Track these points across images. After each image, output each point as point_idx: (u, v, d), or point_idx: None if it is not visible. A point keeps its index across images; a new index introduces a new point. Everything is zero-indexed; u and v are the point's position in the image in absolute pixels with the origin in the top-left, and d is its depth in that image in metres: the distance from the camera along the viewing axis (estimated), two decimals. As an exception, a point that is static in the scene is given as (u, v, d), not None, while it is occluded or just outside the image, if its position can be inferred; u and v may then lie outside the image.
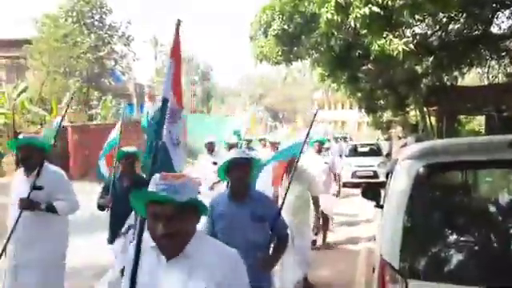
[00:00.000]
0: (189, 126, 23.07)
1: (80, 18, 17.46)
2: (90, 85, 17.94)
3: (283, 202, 3.28)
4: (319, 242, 6.52)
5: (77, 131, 14.87)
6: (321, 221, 5.74)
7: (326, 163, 6.78)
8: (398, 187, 2.05)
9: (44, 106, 16.08)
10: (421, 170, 1.98)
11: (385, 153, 12.70)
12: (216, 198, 3.00)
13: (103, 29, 18.61)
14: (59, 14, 17.26)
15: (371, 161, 11.71)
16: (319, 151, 6.74)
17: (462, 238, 2.02)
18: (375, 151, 13.54)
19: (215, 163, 6.23)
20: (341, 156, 11.33)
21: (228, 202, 2.77)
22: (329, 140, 11.12)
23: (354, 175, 11.01)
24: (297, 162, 3.75)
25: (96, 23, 18.36)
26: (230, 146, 7.27)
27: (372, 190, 3.47)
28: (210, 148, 6.86)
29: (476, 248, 2.00)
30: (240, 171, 2.68)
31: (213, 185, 6.24)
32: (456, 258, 1.97)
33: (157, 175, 1.53)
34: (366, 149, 14.22)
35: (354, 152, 13.59)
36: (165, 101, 2.28)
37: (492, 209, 2.16)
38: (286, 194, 3.46)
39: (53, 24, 16.58)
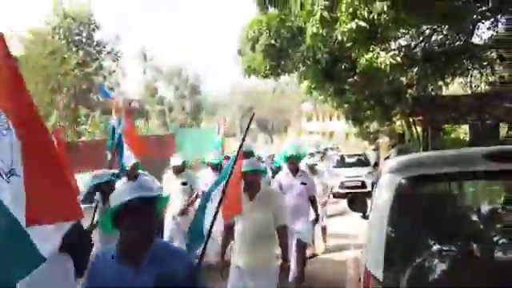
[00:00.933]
0: (178, 141, 23.08)
1: (67, 35, 17.45)
2: (79, 101, 17.86)
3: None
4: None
5: (65, 148, 14.73)
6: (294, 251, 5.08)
7: (303, 184, 5.39)
8: (381, 200, 2.12)
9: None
10: (401, 182, 2.04)
11: (372, 163, 12.83)
12: None
13: (91, 45, 18.61)
14: (46, 30, 17.23)
15: (359, 171, 11.84)
16: (295, 171, 5.43)
17: (444, 249, 2.07)
18: (363, 161, 13.69)
19: (185, 183, 5.89)
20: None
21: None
22: (320, 152, 11.29)
23: (342, 186, 11.11)
24: (249, 178, 3.34)
25: (84, 39, 18.36)
26: (211, 167, 6.48)
27: (358, 200, 3.53)
28: (179, 169, 6.00)
29: (458, 258, 2.06)
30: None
31: (183, 210, 5.71)
32: (438, 268, 2.02)
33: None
34: (354, 159, 14.36)
35: (342, 163, 13.71)
36: None
37: (472, 219, 2.23)
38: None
39: (40, 41, 16.56)
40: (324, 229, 7.50)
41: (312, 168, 6.97)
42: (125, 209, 1.74)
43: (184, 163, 6.11)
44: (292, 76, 12.12)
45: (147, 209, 1.78)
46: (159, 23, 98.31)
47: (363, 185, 11.20)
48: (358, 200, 3.62)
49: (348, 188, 11.18)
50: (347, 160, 14.42)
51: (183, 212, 5.74)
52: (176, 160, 6.07)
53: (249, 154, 5.91)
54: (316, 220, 5.89)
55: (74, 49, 17.55)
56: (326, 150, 14.04)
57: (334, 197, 9.95)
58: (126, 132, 5.43)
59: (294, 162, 5.48)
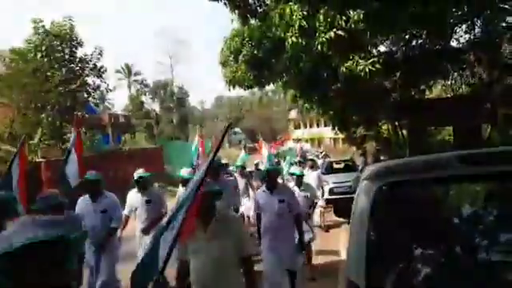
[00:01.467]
0: (165, 154, 22.96)
1: (49, 52, 17.29)
2: (63, 118, 17.66)
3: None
4: None
5: (50, 166, 14.56)
6: None
7: (281, 201, 4.79)
8: (360, 207, 2.13)
9: (15, 142, 15.70)
10: (378, 189, 2.07)
11: (360, 168, 12.91)
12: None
13: (74, 62, 18.46)
14: (28, 48, 17.08)
15: (347, 177, 11.88)
16: (272, 187, 4.89)
17: (424, 254, 2.08)
18: (350, 167, 13.76)
19: (148, 201, 5.62)
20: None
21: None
22: (313, 160, 11.43)
23: (331, 192, 11.13)
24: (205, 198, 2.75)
25: (66, 57, 18.21)
26: (182, 182, 6.06)
27: (344, 207, 3.54)
28: (141, 186, 5.72)
29: (439, 262, 2.07)
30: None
31: (145, 229, 5.45)
32: (420, 273, 2.03)
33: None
34: (341, 165, 14.44)
35: (330, 169, 13.76)
36: None
37: (452, 223, 2.24)
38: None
39: (21, 59, 16.39)
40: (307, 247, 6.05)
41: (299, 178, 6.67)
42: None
43: (145, 179, 5.70)
44: (277, 85, 12.24)
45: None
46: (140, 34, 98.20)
47: (351, 190, 11.25)
48: (343, 207, 3.65)
49: (337, 194, 11.21)
50: (335, 166, 14.49)
51: (146, 231, 5.47)
52: (136, 174, 5.77)
53: (217, 168, 5.84)
54: (301, 242, 5.02)
55: (56, 66, 17.39)
56: (315, 158, 14.15)
57: (328, 203, 10.07)
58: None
59: (271, 176, 4.95)
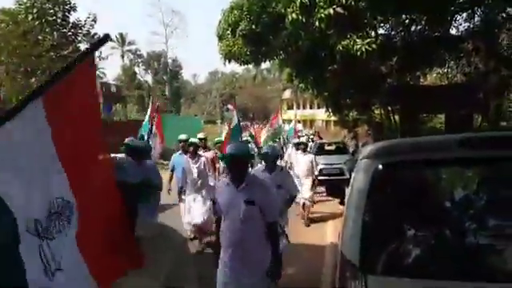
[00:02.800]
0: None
1: (41, 15, 16.77)
2: (53, 84, 17.32)
3: None
4: None
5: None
6: None
7: (248, 202, 3.19)
8: (357, 186, 2.13)
9: (4, 106, 15.40)
10: (377, 168, 2.06)
11: (351, 150, 13.00)
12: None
13: (66, 27, 17.96)
14: (18, 10, 16.54)
15: (337, 159, 11.96)
16: (236, 179, 3.28)
17: (419, 234, 2.10)
18: (341, 149, 13.85)
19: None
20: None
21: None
22: (304, 144, 11.06)
23: (321, 173, 11.21)
24: None
25: (59, 21, 17.70)
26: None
27: (336, 188, 3.56)
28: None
29: (433, 242, 2.10)
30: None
31: None
32: (414, 252, 2.05)
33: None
34: (333, 147, 14.52)
35: (321, 150, 13.83)
36: None
37: (447, 204, 2.26)
38: None
39: (11, 21, 15.89)
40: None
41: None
42: None
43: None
44: (273, 63, 12.11)
45: None
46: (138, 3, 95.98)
47: (341, 172, 11.34)
48: (335, 188, 3.67)
49: (327, 175, 11.31)
50: (326, 148, 14.57)
51: None
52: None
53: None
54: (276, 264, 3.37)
55: (48, 30, 16.91)
56: (308, 140, 13.92)
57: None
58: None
59: (235, 163, 3.25)
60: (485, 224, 2.02)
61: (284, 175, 5.34)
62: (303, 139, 13.22)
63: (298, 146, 9.86)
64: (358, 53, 7.24)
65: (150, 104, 8.64)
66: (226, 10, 9.59)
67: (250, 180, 3.27)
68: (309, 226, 8.28)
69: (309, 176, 8.67)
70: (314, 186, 8.91)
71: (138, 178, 1.72)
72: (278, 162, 6.24)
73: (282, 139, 13.44)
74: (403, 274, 1.96)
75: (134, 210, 1.60)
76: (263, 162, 5.39)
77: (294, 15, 7.21)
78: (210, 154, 7.74)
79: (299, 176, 8.60)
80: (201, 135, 8.26)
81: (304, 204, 8.39)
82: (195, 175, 6.65)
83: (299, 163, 8.97)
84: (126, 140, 5.38)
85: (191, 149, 6.76)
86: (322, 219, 8.69)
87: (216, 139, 10.14)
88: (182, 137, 7.24)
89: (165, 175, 6.60)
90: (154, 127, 7.71)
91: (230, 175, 3.34)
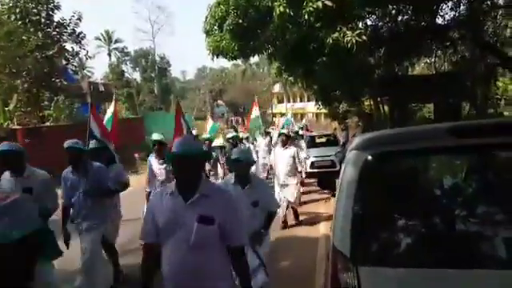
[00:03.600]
0: (146, 125, 22.61)
1: (24, 15, 16.51)
2: (40, 85, 17.09)
3: None
4: None
5: (27, 134, 14.17)
6: None
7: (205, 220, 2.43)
8: (347, 177, 2.13)
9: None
10: (366, 159, 2.07)
11: (341, 142, 13.07)
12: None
13: (51, 26, 17.72)
14: (1, 10, 16.26)
15: (328, 151, 12.01)
16: (183, 186, 2.45)
17: (409, 223, 2.12)
18: (332, 141, 13.91)
19: None
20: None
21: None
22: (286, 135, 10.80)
23: (312, 165, 11.25)
24: None
25: (43, 20, 17.45)
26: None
27: (327, 179, 3.57)
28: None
29: (424, 231, 2.11)
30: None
31: None
32: (405, 242, 2.07)
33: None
34: (324, 139, 14.57)
35: (312, 143, 13.87)
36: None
37: (437, 193, 2.27)
38: None
39: (-6, 21, 15.63)
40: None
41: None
42: None
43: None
44: (262, 57, 12.06)
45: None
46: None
47: (333, 164, 11.40)
48: (326, 179, 3.68)
49: (318, 168, 11.35)
50: (317, 140, 14.61)
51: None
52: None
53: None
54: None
55: (32, 30, 16.66)
56: (297, 132, 13.54)
57: (309, 176, 9.91)
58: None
59: (180, 165, 2.50)
60: (475, 211, 2.04)
61: (261, 187, 3.97)
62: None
63: (277, 137, 8.58)
64: (349, 45, 7.23)
65: (113, 104, 7.56)
66: (212, 4, 9.51)
67: (206, 189, 2.39)
68: (285, 228, 7.28)
69: (291, 175, 7.41)
70: (299, 185, 7.79)
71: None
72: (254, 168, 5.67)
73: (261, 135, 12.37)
74: (395, 263, 1.97)
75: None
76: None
77: (281, 8, 7.17)
78: None
79: (279, 176, 7.48)
80: (193, 132, 8.18)
81: (287, 207, 7.40)
82: (163, 177, 5.80)
83: (278, 159, 7.58)
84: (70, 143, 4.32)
85: (155, 147, 5.98)
86: (315, 219, 7.91)
87: (203, 136, 10.06)
88: (154, 137, 6.23)
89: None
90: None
91: (176, 182, 2.42)
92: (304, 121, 25.06)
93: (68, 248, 4.16)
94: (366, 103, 14.95)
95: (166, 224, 2.35)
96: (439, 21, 11.47)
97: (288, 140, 7.73)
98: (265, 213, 3.90)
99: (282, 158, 7.49)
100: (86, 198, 4.34)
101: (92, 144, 5.29)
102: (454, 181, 2.26)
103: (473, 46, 11.20)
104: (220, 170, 8.91)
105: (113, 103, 7.55)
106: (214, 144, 9.28)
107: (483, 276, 1.81)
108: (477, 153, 2.11)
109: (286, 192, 7.40)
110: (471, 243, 1.96)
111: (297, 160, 7.51)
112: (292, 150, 7.53)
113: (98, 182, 4.37)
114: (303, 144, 10.76)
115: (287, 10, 7.02)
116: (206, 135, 10.14)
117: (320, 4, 6.83)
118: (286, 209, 7.46)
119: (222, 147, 9.09)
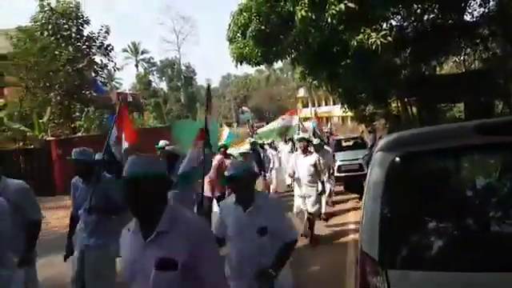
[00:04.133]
0: (174, 134, 22.97)
1: (56, 31, 17.21)
2: (71, 97, 17.72)
3: None
4: None
5: (60, 145, 14.70)
6: None
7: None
8: (374, 179, 2.10)
9: (25, 122, 15.84)
10: (393, 160, 2.03)
11: (369, 145, 12.86)
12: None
13: (81, 40, 18.40)
14: (34, 27, 17.00)
15: (356, 154, 11.82)
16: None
17: (439, 225, 2.06)
18: (359, 144, 13.70)
19: None
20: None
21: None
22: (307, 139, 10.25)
23: (339, 169, 11.10)
24: None
25: (73, 35, 18.14)
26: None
27: (355, 182, 3.51)
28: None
29: (454, 234, 2.05)
30: None
31: None
32: (435, 245, 2.01)
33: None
34: (350, 142, 14.37)
35: (339, 146, 13.69)
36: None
37: (467, 194, 2.20)
38: None
39: (28, 38, 16.35)
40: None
41: None
42: None
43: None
44: (285, 62, 12.05)
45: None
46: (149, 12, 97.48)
47: (361, 167, 11.22)
48: (354, 183, 3.61)
49: (345, 172, 11.19)
50: (344, 144, 14.43)
51: None
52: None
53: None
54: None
55: (63, 45, 17.33)
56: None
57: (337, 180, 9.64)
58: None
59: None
60: (507, 212, 1.96)
61: (270, 209, 2.93)
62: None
63: (298, 142, 7.68)
64: (373, 46, 7.15)
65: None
66: (235, 12, 9.62)
67: (167, 223, 1.84)
68: (317, 244, 6.68)
69: (313, 185, 6.80)
70: (322, 194, 7.11)
71: None
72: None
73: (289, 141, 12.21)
74: (425, 267, 1.92)
75: None
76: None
77: (303, 12, 7.19)
78: (216, 160, 6.75)
79: (301, 186, 6.81)
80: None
81: (309, 218, 6.78)
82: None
83: (299, 168, 6.81)
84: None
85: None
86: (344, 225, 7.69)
87: (219, 143, 10.02)
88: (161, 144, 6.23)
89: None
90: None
91: (135, 219, 1.91)
92: (329, 125, 24.79)
93: (65, 261, 4.03)
94: (394, 105, 14.65)
95: (126, 268, 1.94)
96: (467, 18, 11.17)
97: (307, 146, 7.02)
98: (278, 243, 2.85)
99: (302, 167, 6.78)
100: (92, 213, 3.93)
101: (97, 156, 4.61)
102: (486, 180, 2.18)
103: (504, 42, 10.81)
104: None
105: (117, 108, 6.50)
106: (235, 151, 8.99)
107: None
108: (507, 151, 2.03)
109: (307, 203, 6.81)
110: (506, 245, 1.89)
111: (319, 168, 6.83)
112: (313, 157, 6.92)
113: (105, 197, 3.94)
114: (328, 150, 9.33)
115: (309, 14, 7.02)
116: (221, 143, 10.13)
117: (343, 6, 6.80)
118: (310, 224, 6.74)
119: (245, 153, 8.50)
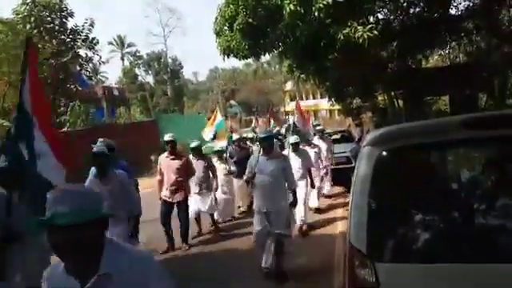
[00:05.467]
0: (161, 127, 22.79)
1: (39, 24, 16.86)
2: (56, 91, 17.43)
3: None
4: None
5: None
6: None
7: None
8: (361, 173, 2.12)
9: (8, 117, 15.53)
10: (380, 154, 2.05)
11: (356, 138, 12.94)
12: None
13: (65, 33, 18.07)
14: (16, 20, 16.62)
15: (343, 147, 11.87)
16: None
17: (426, 218, 2.09)
18: (346, 137, 13.77)
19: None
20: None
21: None
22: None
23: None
24: None
25: (57, 28, 17.80)
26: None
27: (342, 175, 3.54)
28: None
29: (440, 226, 2.08)
30: None
31: None
32: (422, 238, 2.04)
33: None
34: (338, 136, 14.43)
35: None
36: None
37: (453, 187, 2.24)
38: None
39: (10, 31, 15.98)
40: None
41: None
42: None
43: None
44: (273, 56, 12.02)
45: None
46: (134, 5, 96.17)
47: (348, 160, 11.30)
48: (342, 176, 3.65)
49: (333, 164, 11.24)
50: (331, 137, 14.47)
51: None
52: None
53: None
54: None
55: (47, 38, 16.99)
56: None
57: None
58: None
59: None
60: (493, 205, 2.00)
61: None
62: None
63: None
64: (360, 40, 7.17)
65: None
66: (222, 4, 9.54)
67: (111, 264, 1.53)
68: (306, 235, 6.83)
69: (302, 186, 6.81)
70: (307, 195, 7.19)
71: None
72: None
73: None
74: (412, 259, 1.96)
75: None
76: None
77: (291, 6, 7.16)
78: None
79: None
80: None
81: (301, 227, 6.90)
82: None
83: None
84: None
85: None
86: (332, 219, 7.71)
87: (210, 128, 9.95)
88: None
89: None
90: None
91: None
92: (313, 118, 24.85)
93: None
94: (380, 98, 14.77)
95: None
96: (453, 12, 11.28)
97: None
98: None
99: (293, 164, 5.92)
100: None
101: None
102: (471, 174, 2.22)
103: (488, 36, 10.96)
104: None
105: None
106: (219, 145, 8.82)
107: (502, 270, 1.78)
108: (492, 145, 2.07)
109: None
110: (490, 237, 1.93)
111: (308, 163, 7.07)
112: (305, 152, 7.16)
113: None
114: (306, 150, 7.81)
115: (297, 8, 7.00)
116: (211, 128, 9.99)
117: (330, 0, 6.79)
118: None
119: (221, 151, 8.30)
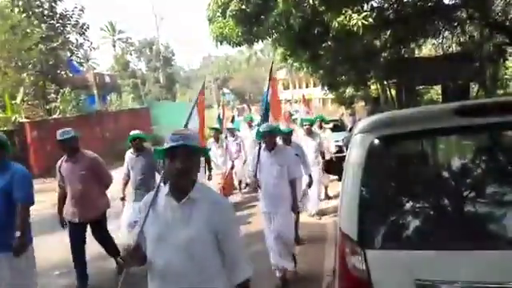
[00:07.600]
0: (153, 115, 22.64)
1: (27, 8, 16.51)
2: (46, 78, 17.16)
3: None
4: None
5: (35, 127, 14.30)
6: None
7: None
8: (353, 160, 2.11)
9: (-4, 102, 15.31)
10: (372, 142, 2.04)
11: (349, 127, 12.97)
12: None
13: (54, 18, 17.73)
14: (4, 3, 16.26)
15: (335, 136, 11.89)
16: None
17: (417, 206, 2.09)
18: (339, 127, 13.80)
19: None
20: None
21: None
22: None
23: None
24: None
25: (46, 12, 17.46)
26: None
27: (334, 164, 3.54)
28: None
29: (431, 213, 2.09)
30: None
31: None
32: (413, 225, 2.05)
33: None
34: (330, 125, 14.44)
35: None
36: None
37: (445, 174, 2.24)
38: None
39: (-2, 15, 15.65)
40: None
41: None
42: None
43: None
44: (266, 43, 11.92)
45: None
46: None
47: (340, 149, 11.33)
48: (333, 165, 3.64)
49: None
50: (324, 126, 14.48)
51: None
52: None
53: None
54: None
55: (36, 22, 16.66)
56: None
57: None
58: None
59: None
60: (483, 192, 2.01)
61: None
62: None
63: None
64: (355, 28, 7.12)
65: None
66: (214, -9, 9.39)
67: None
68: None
69: (316, 170, 6.91)
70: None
71: None
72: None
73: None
74: (403, 246, 1.96)
75: None
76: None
77: (286, -7, 7.07)
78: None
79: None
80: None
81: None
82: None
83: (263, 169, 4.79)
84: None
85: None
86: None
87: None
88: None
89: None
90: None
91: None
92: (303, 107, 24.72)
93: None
94: (373, 87, 14.80)
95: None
96: (447, 1, 11.25)
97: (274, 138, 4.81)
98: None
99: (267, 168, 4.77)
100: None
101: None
102: (462, 161, 2.22)
103: (481, 26, 10.97)
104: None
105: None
106: None
107: (492, 257, 1.80)
108: (484, 133, 2.07)
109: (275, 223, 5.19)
110: (481, 224, 1.94)
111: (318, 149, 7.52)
112: (317, 137, 7.73)
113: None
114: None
115: (292, -5, 6.91)
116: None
117: (324, -13, 6.72)
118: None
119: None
